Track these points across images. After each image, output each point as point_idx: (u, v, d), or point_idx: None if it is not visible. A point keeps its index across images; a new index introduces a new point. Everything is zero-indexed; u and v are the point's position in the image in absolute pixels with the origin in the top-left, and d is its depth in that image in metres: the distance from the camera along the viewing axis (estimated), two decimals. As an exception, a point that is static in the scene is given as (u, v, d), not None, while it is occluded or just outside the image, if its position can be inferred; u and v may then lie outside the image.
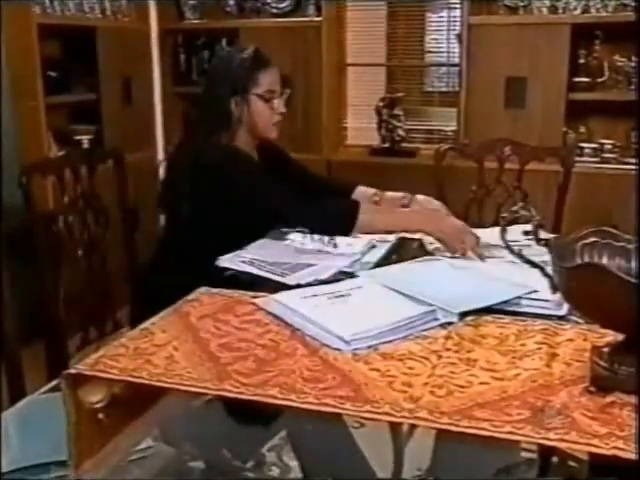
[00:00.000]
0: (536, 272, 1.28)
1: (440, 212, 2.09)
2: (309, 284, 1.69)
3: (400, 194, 2.23)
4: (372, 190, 2.27)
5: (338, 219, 1.98)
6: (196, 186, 2.04)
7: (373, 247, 1.97)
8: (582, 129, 3.66)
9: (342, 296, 1.57)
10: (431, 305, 1.47)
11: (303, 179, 2.31)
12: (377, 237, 2.04)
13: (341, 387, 1.20)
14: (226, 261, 1.88)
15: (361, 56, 4.17)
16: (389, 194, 2.27)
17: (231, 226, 2.00)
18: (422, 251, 1.99)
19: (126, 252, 2.37)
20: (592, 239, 1.24)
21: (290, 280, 1.72)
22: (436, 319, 1.45)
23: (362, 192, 2.28)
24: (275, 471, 1.68)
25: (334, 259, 1.87)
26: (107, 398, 1.27)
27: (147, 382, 1.24)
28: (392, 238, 2.07)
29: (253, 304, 1.57)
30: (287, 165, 2.33)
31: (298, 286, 1.67)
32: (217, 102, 2.09)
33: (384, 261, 1.90)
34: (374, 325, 1.38)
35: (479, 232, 1.94)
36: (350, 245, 1.96)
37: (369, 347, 1.34)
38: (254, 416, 1.65)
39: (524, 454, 1.49)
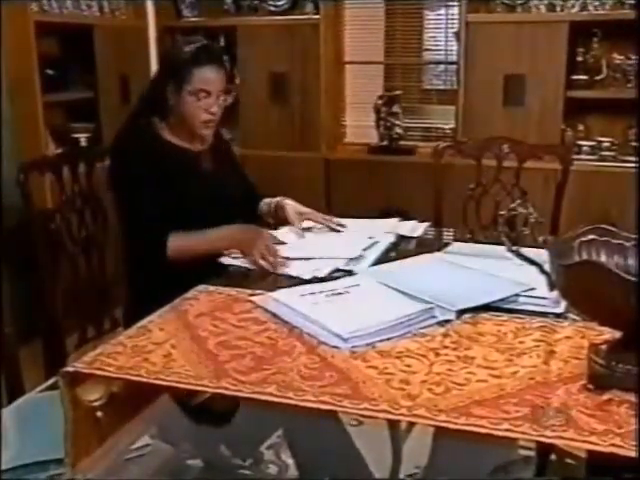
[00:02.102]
0: (534, 270, 1.28)
1: (238, 228, 2.03)
2: (307, 281, 1.70)
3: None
4: (270, 199, 2.26)
5: (153, 255, 1.97)
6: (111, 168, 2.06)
7: (373, 245, 1.98)
8: (580, 127, 3.66)
9: (340, 294, 1.57)
10: (429, 303, 1.47)
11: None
12: (376, 234, 2.06)
13: (339, 385, 1.20)
14: (228, 257, 1.89)
15: (359, 54, 4.16)
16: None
17: (184, 216, 2.00)
18: (420, 249, 1.99)
19: (124, 250, 2.36)
20: (590, 237, 1.24)
21: (291, 271, 1.74)
22: (434, 317, 1.45)
23: (265, 201, 2.27)
24: (273, 469, 1.68)
25: (335, 253, 1.88)
26: (105, 396, 1.27)
27: (145, 380, 1.24)
28: (391, 236, 2.08)
29: (251, 302, 1.58)
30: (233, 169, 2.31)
31: (299, 281, 1.67)
32: (154, 87, 2.10)
33: (382, 258, 1.91)
34: (372, 323, 1.38)
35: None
36: (352, 243, 1.97)
37: (367, 345, 1.34)
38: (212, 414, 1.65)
39: (522, 452, 1.49)
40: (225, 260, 1.91)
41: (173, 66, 2.04)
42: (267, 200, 2.25)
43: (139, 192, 1.98)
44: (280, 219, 2.19)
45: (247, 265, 1.86)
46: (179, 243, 1.95)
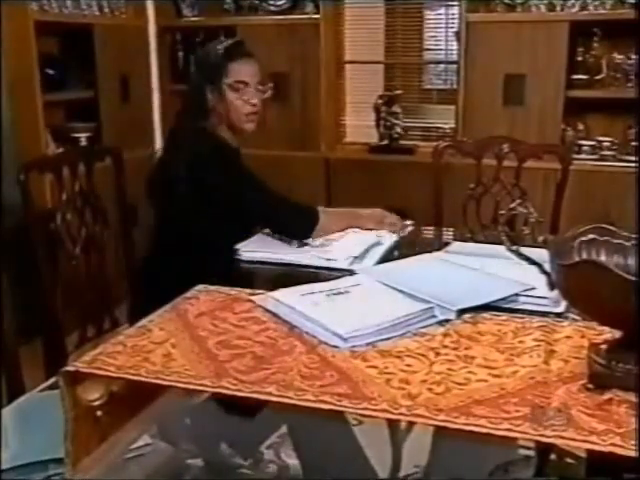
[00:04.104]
0: (534, 269, 1.28)
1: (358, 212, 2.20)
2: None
3: None
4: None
5: (303, 224, 2.05)
6: (191, 171, 2.06)
7: (377, 244, 1.99)
8: (580, 126, 3.66)
9: (340, 293, 1.57)
10: (429, 302, 1.47)
11: None
12: (377, 234, 2.07)
13: (339, 384, 1.20)
14: (249, 253, 1.94)
15: (359, 54, 4.16)
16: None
17: (221, 219, 2.03)
18: (422, 248, 2.00)
19: (124, 249, 2.37)
20: (590, 236, 1.24)
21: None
22: (434, 316, 1.45)
23: None
24: (273, 469, 1.68)
25: (339, 251, 1.91)
26: (105, 396, 1.27)
27: (145, 379, 1.24)
28: (394, 236, 2.09)
29: (251, 301, 1.58)
30: None
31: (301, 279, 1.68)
32: (194, 90, 2.13)
33: (385, 258, 1.91)
34: (372, 322, 1.38)
35: None
36: (355, 242, 1.98)
37: (367, 344, 1.34)
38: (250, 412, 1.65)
39: (522, 451, 1.49)
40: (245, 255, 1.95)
41: (208, 65, 2.10)
42: None
43: (248, 189, 2.05)
44: None
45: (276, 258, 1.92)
46: (328, 218, 2.08)
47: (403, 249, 2.03)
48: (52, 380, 1.75)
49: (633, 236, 1.23)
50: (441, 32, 4.09)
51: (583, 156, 3.52)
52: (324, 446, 1.71)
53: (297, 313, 1.46)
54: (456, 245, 2.02)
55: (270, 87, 2.18)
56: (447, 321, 1.45)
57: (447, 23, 4.04)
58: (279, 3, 3.99)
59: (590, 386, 1.16)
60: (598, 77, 3.56)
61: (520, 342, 1.36)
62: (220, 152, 2.07)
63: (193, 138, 2.09)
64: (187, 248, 2.03)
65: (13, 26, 3.10)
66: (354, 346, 1.33)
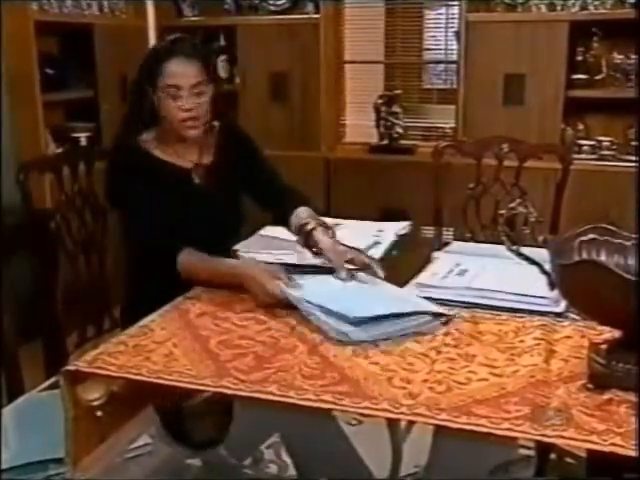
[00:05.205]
0: (534, 269, 1.28)
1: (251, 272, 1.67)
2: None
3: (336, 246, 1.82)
4: (305, 216, 1.93)
5: (160, 262, 1.83)
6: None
7: (377, 244, 1.99)
8: (580, 126, 3.66)
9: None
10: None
11: (264, 184, 2.18)
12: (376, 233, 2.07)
13: (340, 384, 1.20)
14: (248, 254, 1.90)
15: (359, 53, 4.16)
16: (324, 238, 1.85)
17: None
18: (421, 249, 2.00)
19: (124, 250, 2.37)
20: (590, 236, 1.25)
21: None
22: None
23: (298, 216, 1.95)
24: (273, 468, 1.68)
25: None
26: (105, 395, 1.27)
27: (146, 379, 1.24)
28: (393, 235, 2.09)
29: (251, 301, 1.58)
30: (255, 166, 2.18)
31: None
32: (134, 95, 1.95)
33: (386, 256, 1.91)
34: (380, 310, 1.40)
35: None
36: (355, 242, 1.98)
37: (370, 336, 1.36)
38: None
39: (522, 451, 1.49)
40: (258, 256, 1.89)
41: (145, 66, 1.89)
42: (298, 218, 1.94)
43: (140, 209, 1.89)
44: (311, 248, 1.87)
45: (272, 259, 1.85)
46: (191, 263, 1.79)
47: (403, 248, 2.03)
48: (52, 380, 1.75)
49: (633, 236, 1.23)
50: (441, 32, 4.09)
51: (583, 156, 3.51)
52: (318, 449, 1.71)
53: (304, 300, 1.49)
54: (456, 245, 2.02)
55: (211, 87, 1.90)
56: (448, 321, 1.45)
57: (447, 23, 4.03)
58: (279, 3, 3.99)
59: (590, 386, 1.16)
60: (598, 77, 3.55)
61: (520, 342, 1.36)
62: (135, 172, 1.91)
63: (118, 155, 1.97)
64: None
65: (13, 26, 3.10)
66: (359, 337, 1.35)
